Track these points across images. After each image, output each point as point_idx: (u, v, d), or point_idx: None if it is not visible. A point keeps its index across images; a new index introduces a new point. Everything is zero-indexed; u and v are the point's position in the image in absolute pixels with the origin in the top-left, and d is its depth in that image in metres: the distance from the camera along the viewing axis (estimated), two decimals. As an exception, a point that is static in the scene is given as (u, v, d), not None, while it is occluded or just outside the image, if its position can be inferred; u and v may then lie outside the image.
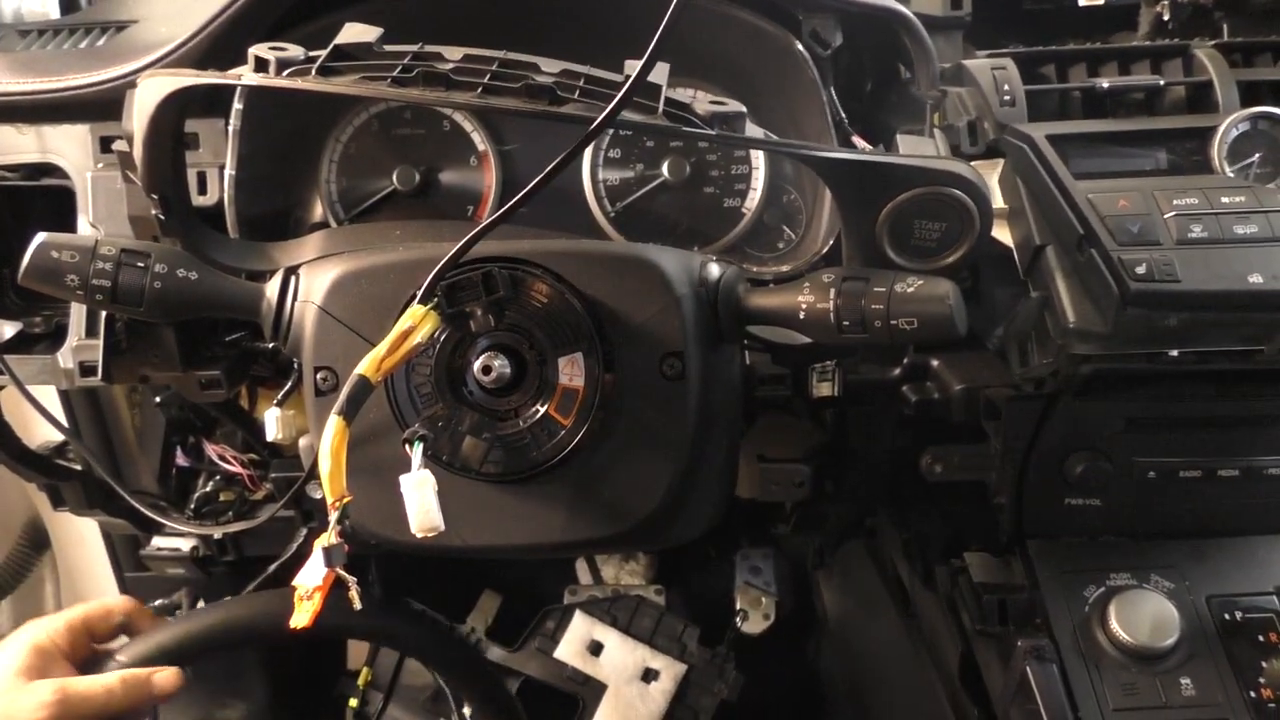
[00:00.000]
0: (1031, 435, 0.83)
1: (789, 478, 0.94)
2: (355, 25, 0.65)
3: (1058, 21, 0.97)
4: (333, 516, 0.56)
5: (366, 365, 0.57)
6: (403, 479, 0.58)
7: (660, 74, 0.63)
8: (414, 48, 0.64)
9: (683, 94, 0.64)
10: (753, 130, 0.65)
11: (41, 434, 1.15)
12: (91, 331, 0.87)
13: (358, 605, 0.55)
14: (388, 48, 0.64)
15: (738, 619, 1.19)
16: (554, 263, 0.65)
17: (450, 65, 0.62)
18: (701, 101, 0.64)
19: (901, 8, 0.85)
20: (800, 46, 0.85)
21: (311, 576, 0.56)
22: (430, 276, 0.60)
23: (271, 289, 0.69)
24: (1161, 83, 0.83)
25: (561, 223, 0.88)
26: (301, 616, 0.56)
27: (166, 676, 0.80)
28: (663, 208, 0.93)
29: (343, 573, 0.56)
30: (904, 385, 0.87)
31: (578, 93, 0.61)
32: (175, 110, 0.67)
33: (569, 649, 1.15)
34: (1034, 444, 0.84)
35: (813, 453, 0.98)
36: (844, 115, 0.86)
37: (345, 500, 0.56)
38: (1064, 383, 0.77)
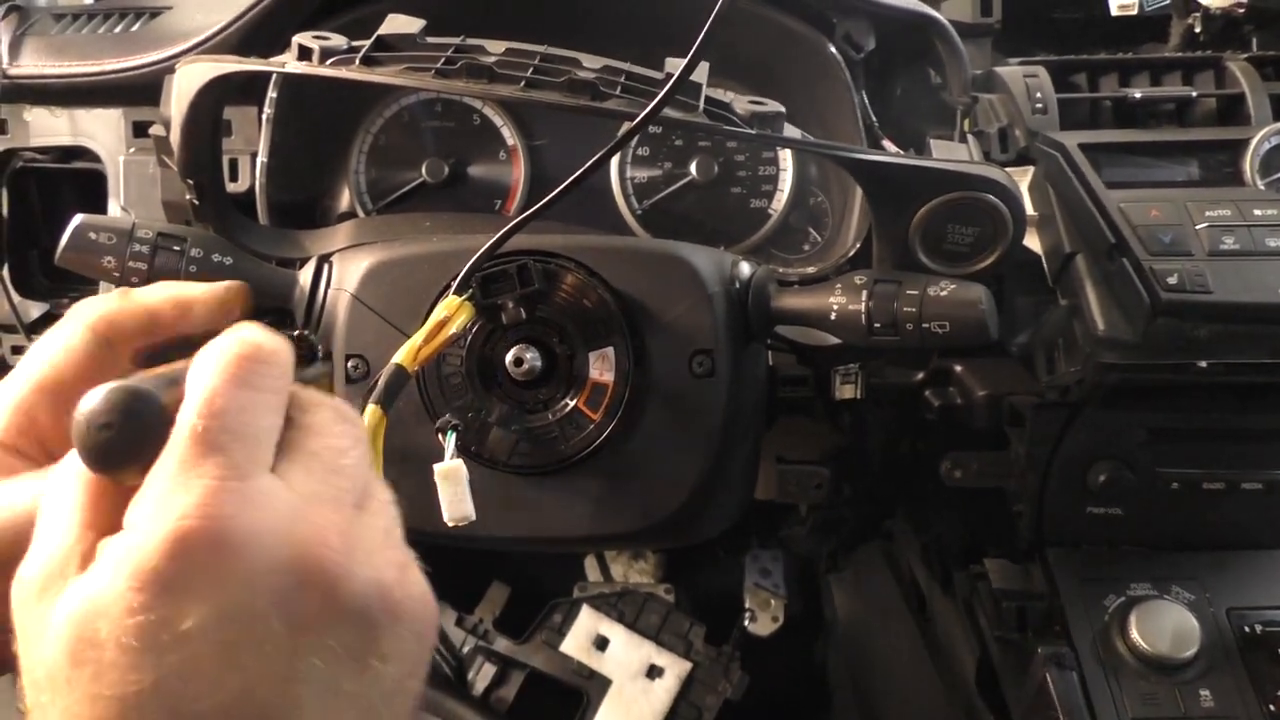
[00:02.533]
0: (1055, 443, 0.83)
1: (808, 480, 0.94)
2: (398, 17, 0.66)
3: (1087, 31, 0.97)
4: None
5: (404, 355, 0.57)
6: (436, 468, 0.58)
7: (701, 73, 0.63)
8: (456, 40, 0.64)
9: (721, 94, 0.64)
10: (790, 131, 0.65)
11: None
12: (119, 315, 0.88)
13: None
14: (430, 40, 0.65)
15: (745, 619, 1.19)
16: (587, 257, 0.66)
17: (493, 59, 0.62)
18: (741, 101, 0.64)
19: (935, 13, 0.86)
20: (833, 49, 0.85)
21: None
22: (467, 266, 0.61)
23: (305, 276, 0.69)
24: (1194, 94, 0.83)
25: (589, 220, 0.88)
26: None
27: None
28: (690, 206, 0.93)
29: None
30: (927, 390, 0.87)
31: (619, 89, 0.61)
32: (215, 97, 0.67)
33: (575, 643, 1.15)
34: (1057, 452, 0.84)
35: (831, 455, 0.98)
36: (874, 119, 0.86)
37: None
38: (1089, 391, 0.77)
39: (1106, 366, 0.74)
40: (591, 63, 0.64)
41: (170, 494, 0.32)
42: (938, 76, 0.88)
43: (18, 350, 0.93)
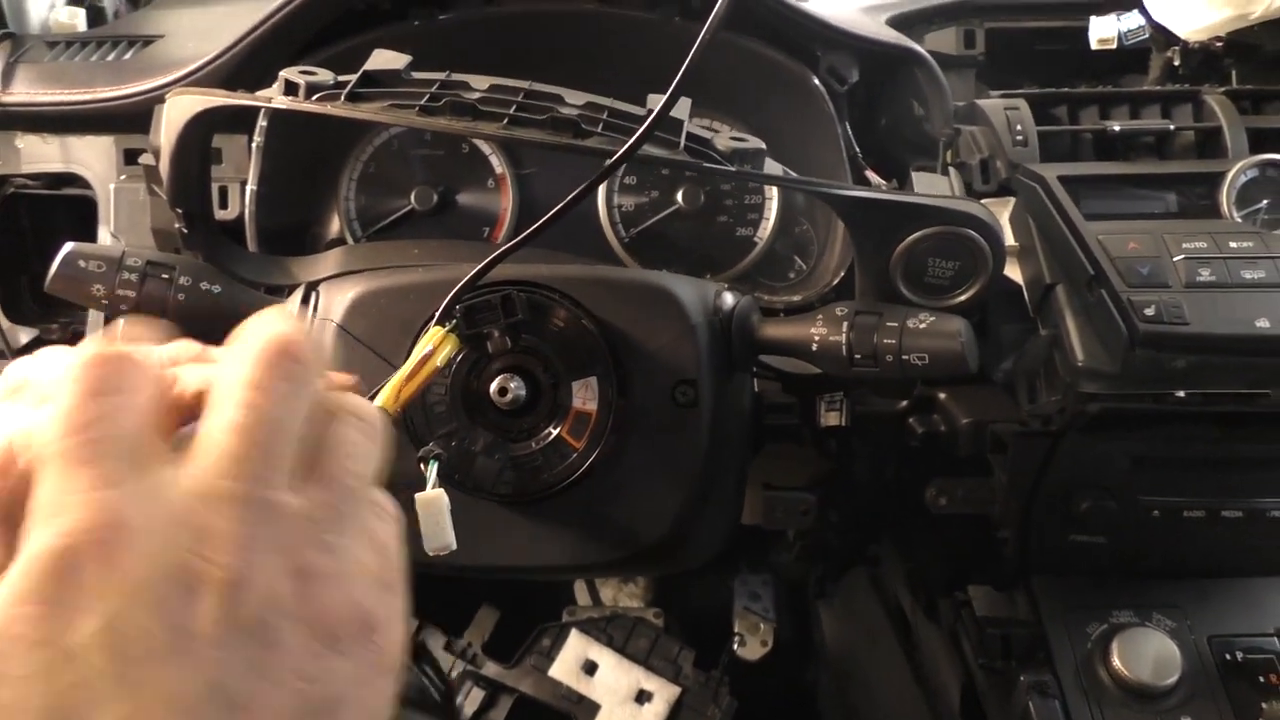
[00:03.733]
0: (1037, 471, 0.84)
1: (794, 506, 0.94)
2: (384, 52, 0.67)
3: (1069, 63, 0.99)
4: None
5: (385, 396, 0.58)
6: (418, 497, 0.59)
7: (682, 109, 0.64)
8: (441, 75, 0.65)
9: (703, 129, 0.65)
10: (771, 167, 0.66)
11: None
12: (108, 340, 0.88)
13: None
14: (416, 75, 0.66)
15: (735, 643, 1.19)
16: (571, 288, 0.66)
17: (477, 95, 0.63)
18: (723, 137, 0.65)
19: (917, 47, 0.87)
20: (817, 81, 0.87)
21: None
22: (448, 298, 0.61)
23: (291, 305, 0.70)
24: (1172, 127, 0.84)
25: (576, 246, 0.89)
26: None
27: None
28: (676, 235, 0.94)
29: None
30: (911, 417, 0.88)
31: (601, 126, 0.62)
32: (203, 128, 0.68)
33: (564, 667, 1.15)
34: (1040, 480, 0.84)
35: (818, 482, 0.99)
36: (858, 150, 0.87)
37: None
38: (1071, 420, 0.78)
39: (1087, 396, 0.74)
40: (575, 99, 0.65)
41: (48, 511, 0.30)
42: (920, 108, 0.89)
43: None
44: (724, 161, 0.63)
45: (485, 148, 0.94)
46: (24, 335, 0.95)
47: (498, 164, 0.94)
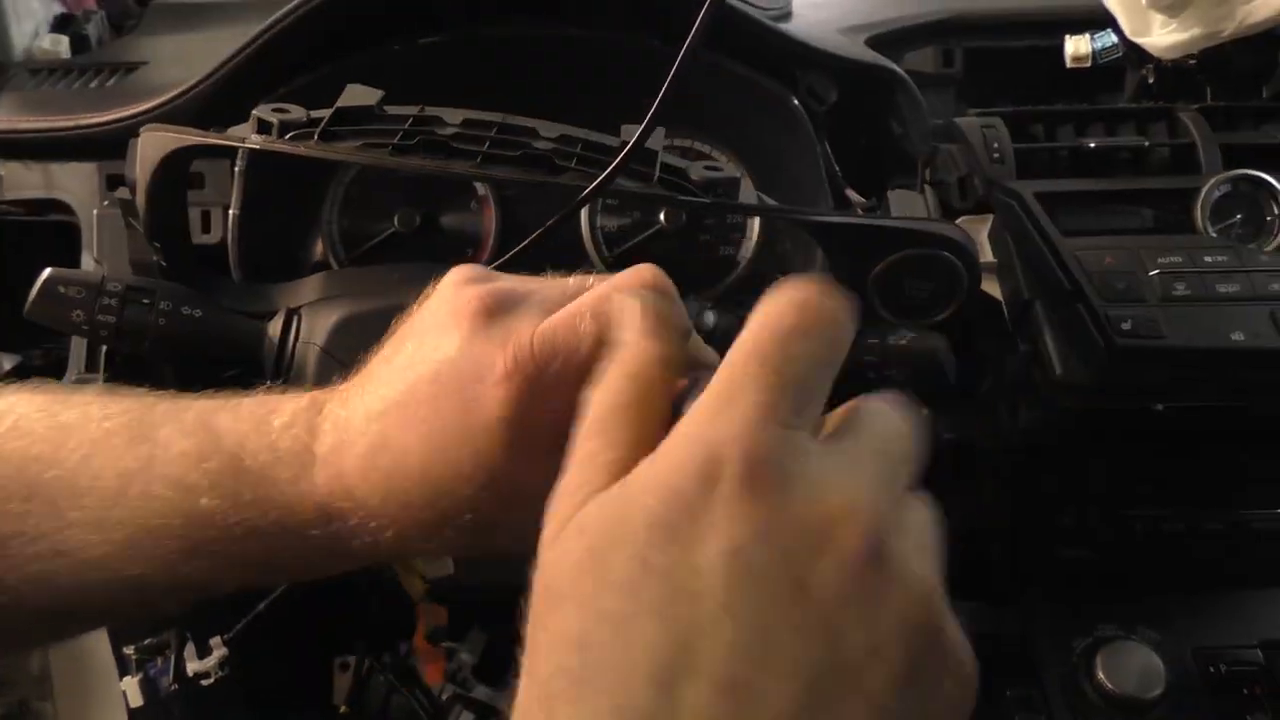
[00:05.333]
0: (1021, 486, 0.85)
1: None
2: (356, 88, 0.67)
3: (1045, 81, 1.00)
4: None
5: None
6: None
7: (656, 139, 0.65)
8: (414, 110, 0.66)
9: (678, 156, 0.66)
10: (746, 194, 0.67)
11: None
12: (91, 366, 0.88)
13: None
14: (389, 109, 0.66)
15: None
16: (553, 308, 0.66)
17: (451, 131, 0.64)
18: (697, 167, 0.65)
19: (895, 67, 0.88)
20: (796, 101, 0.87)
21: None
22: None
23: (274, 329, 0.70)
24: (1147, 144, 0.85)
25: (560, 267, 0.89)
26: None
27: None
28: (659, 254, 0.95)
29: (451, 644, 0.59)
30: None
31: (575, 160, 0.63)
32: (179, 164, 0.69)
33: (556, 690, 1.14)
34: (1024, 494, 0.85)
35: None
36: (838, 169, 0.88)
37: (425, 589, 0.58)
38: (1052, 434, 0.79)
39: (1066, 410, 0.75)
40: (549, 131, 0.65)
41: (709, 420, 0.31)
42: (899, 127, 0.90)
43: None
44: (698, 192, 0.64)
45: (468, 170, 0.95)
46: (7, 361, 0.95)
47: (480, 185, 0.94)
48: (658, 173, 0.64)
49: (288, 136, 0.64)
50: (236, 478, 0.43)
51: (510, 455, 0.40)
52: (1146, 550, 0.85)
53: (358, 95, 0.67)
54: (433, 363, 0.42)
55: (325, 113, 0.65)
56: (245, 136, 0.65)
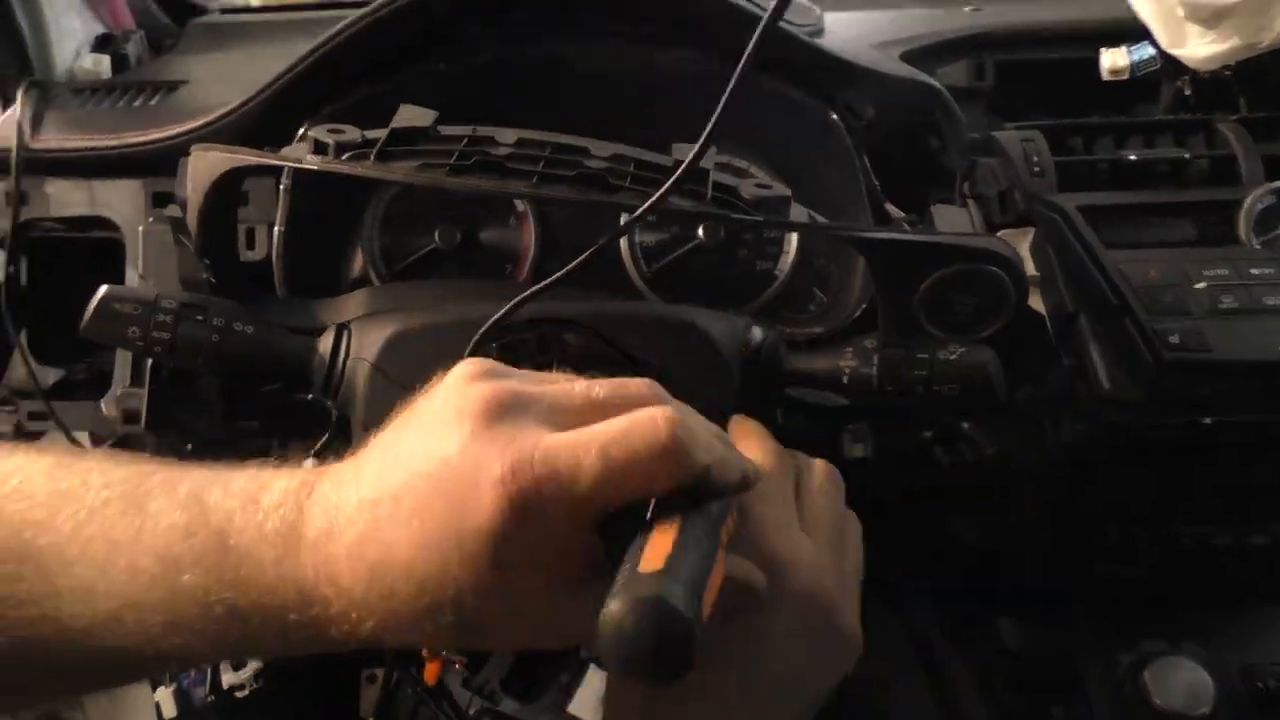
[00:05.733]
0: (1064, 500, 0.84)
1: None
2: (410, 108, 0.68)
3: (1078, 94, 1.00)
4: None
5: None
6: None
7: (708, 159, 0.65)
8: (468, 131, 0.66)
9: (728, 174, 0.66)
10: (797, 212, 0.67)
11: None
12: (136, 380, 0.89)
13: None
14: (442, 129, 0.67)
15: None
16: (604, 324, 0.67)
17: (505, 151, 0.64)
18: (748, 184, 0.66)
19: (934, 82, 0.88)
20: (835, 117, 0.88)
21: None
22: (476, 336, 0.62)
23: (324, 345, 0.70)
24: (1187, 156, 0.85)
25: (598, 281, 0.89)
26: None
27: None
28: (697, 269, 0.95)
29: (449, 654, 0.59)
30: (936, 448, 0.88)
31: (629, 179, 0.63)
32: (232, 184, 0.70)
33: (582, 703, 1.14)
34: (1066, 509, 0.84)
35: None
36: (877, 183, 0.88)
37: None
38: (1097, 449, 0.78)
39: (1112, 424, 0.75)
40: (601, 151, 0.66)
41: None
42: (937, 141, 0.90)
43: (35, 416, 0.94)
44: (750, 210, 0.64)
45: (506, 186, 0.95)
46: (51, 376, 0.95)
47: (520, 202, 0.95)
48: (710, 191, 0.64)
49: (344, 157, 0.64)
50: (220, 555, 0.43)
51: (497, 561, 0.40)
52: (1193, 566, 0.84)
53: (412, 116, 0.67)
54: (432, 459, 0.42)
55: (380, 133, 0.65)
56: (302, 157, 0.66)
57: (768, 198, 0.65)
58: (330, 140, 0.65)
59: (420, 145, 0.65)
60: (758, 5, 0.84)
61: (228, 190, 0.71)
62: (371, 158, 0.64)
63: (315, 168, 0.64)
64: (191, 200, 0.71)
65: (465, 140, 0.66)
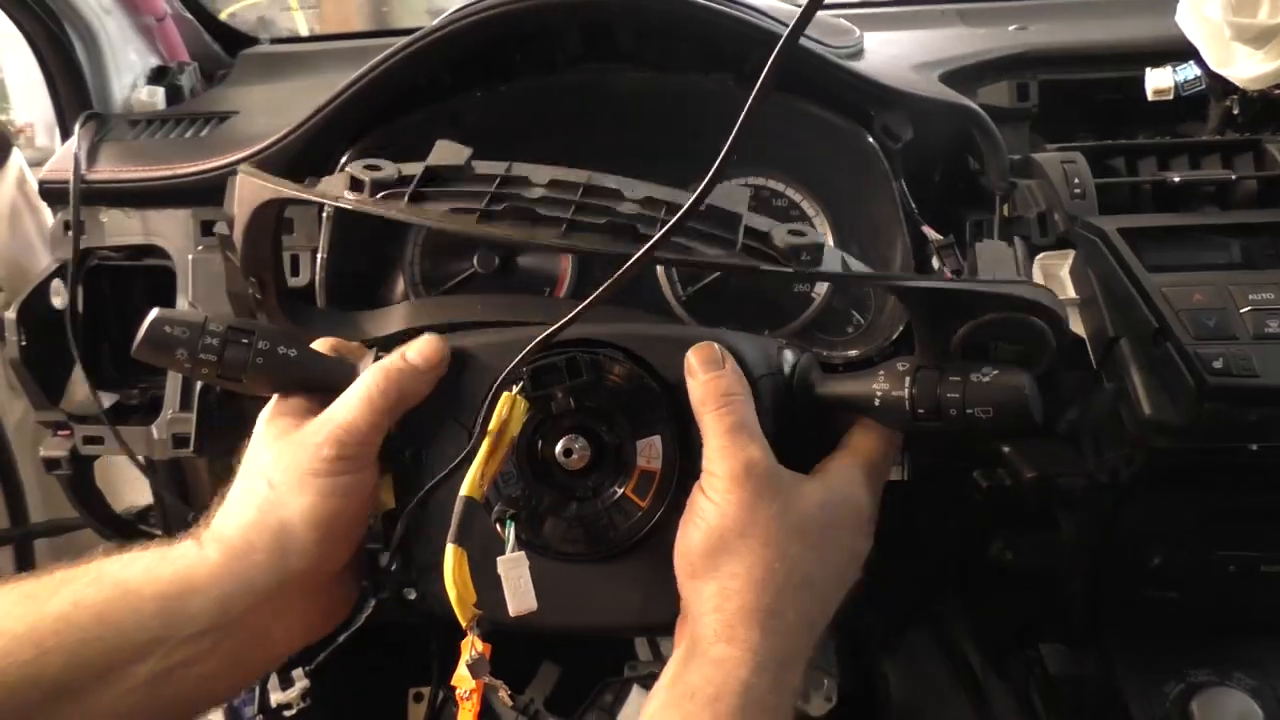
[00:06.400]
0: (1106, 525, 0.83)
1: (856, 561, 0.94)
2: (446, 144, 0.69)
3: (1125, 113, 0.98)
4: (471, 634, 0.60)
5: (469, 485, 0.60)
6: (500, 560, 0.60)
7: (740, 202, 0.65)
8: (502, 169, 0.67)
9: (762, 221, 0.66)
10: (830, 258, 0.67)
11: (125, 499, 1.19)
12: (186, 404, 0.92)
13: (509, 704, 0.59)
14: (477, 164, 0.68)
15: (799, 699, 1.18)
16: (636, 346, 0.67)
17: (538, 194, 0.65)
18: (780, 232, 0.66)
19: (971, 104, 0.88)
20: (871, 140, 0.87)
21: (465, 679, 0.60)
22: (509, 367, 0.63)
23: (365, 365, 0.72)
24: (1233, 176, 0.84)
25: (634, 304, 0.90)
26: (464, 716, 0.62)
27: (423, 347, 0.67)
28: (733, 291, 0.95)
29: (492, 679, 0.61)
30: (974, 471, 0.87)
31: (659, 224, 0.64)
32: (271, 212, 0.72)
33: (626, 722, 1.14)
34: (1109, 534, 0.83)
35: (879, 535, 0.98)
36: (914, 205, 0.88)
37: (477, 616, 0.59)
38: (1139, 474, 0.77)
39: (1155, 450, 0.73)
40: (633, 192, 0.66)
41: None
42: (976, 163, 0.90)
43: (90, 440, 0.97)
44: (781, 259, 0.64)
45: (545, 211, 0.96)
46: (106, 400, 0.98)
47: (558, 226, 0.96)
48: (741, 239, 0.64)
49: (379, 196, 0.66)
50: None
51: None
52: (1240, 593, 0.82)
53: (447, 153, 0.68)
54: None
55: (416, 169, 0.67)
56: (339, 195, 0.68)
57: (799, 245, 0.65)
58: (366, 178, 0.66)
59: (453, 186, 0.67)
60: (785, 26, 0.84)
61: (268, 217, 0.73)
62: (406, 199, 0.65)
63: (349, 206, 0.66)
64: (237, 221, 0.73)
65: (498, 181, 0.67)
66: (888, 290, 0.71)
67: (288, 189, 0.69)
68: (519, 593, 0.60)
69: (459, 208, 0.65)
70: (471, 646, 0.60)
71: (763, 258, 0.65)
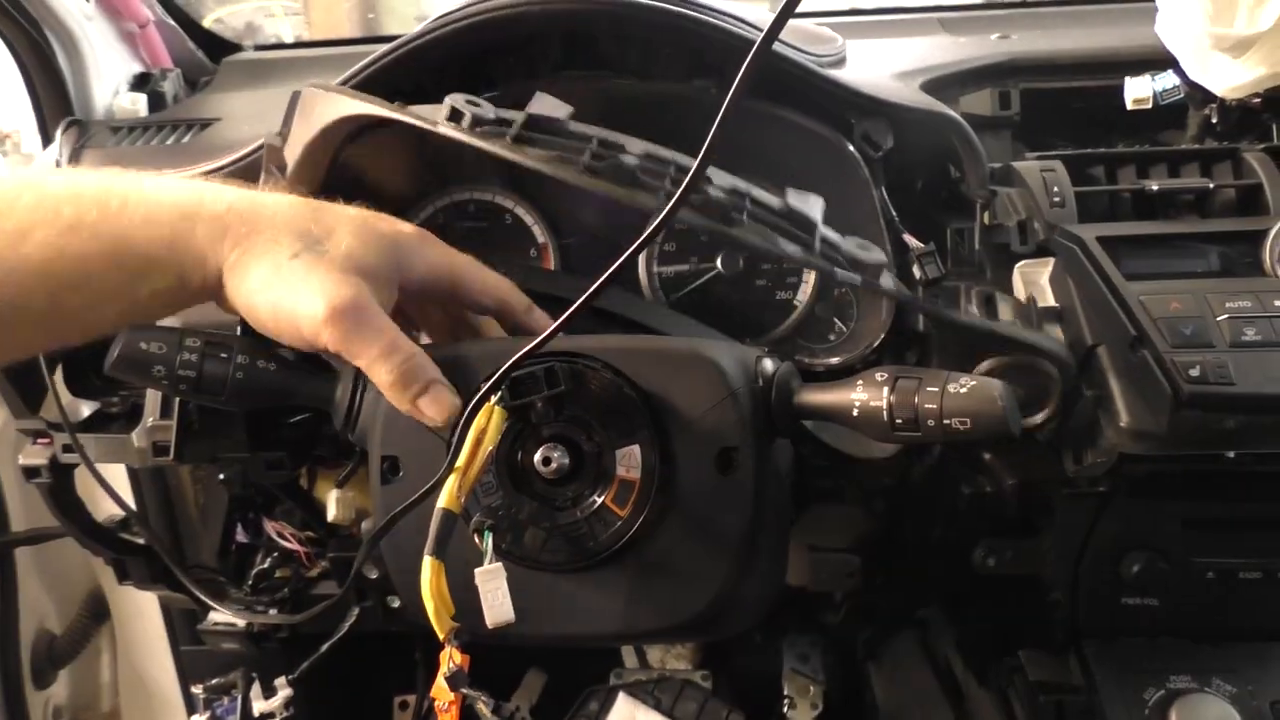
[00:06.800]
0: (1086, 532, 0.83)
1: (840, 568, 0.94)
2: (546, 97, 0.69)
3: (1105, 122, 0.99)
4: (449, 646, 0.60)
5: (447, 498, 0.60)
6: (478, 572, 0.60)
7: (815, 208, 0.69)
8: (597, 132, 0.68)
9: (833, 233, 0.68)
10: (887, 279, 0.68)
11: (108, 508, 1.19)
12: (166, 413, 0.91)
13: (489, 716, 0.58)
14: (574, 127, 0.68)
15: (784, 706, 1.18)
16: (613, 358, 0.67)
17: (634, 161, 0.65)
18: (849, 244, 0.67)
19: (952, 113, 0.88)
20: (852, 148, 0.88)
21: (444, 691, 0.60)
22: (494, 379, 0.63)
23: (345, 378, 0.72)
24: (1211, 185, 0.84)
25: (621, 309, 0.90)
26: None
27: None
28: (716, 299, 0.95)
29: (471, 691, 0.61)
30: (956, 478, 0.87)
31: (745, 214, 0.64)
32: (345, 130, 0.73)
33: (612, 730, 1.14)
34: (1088, 541, 0.83)
35: (863, 542, 0.99)
36: (895, 214, 0.88)
37: (455, 628, 0.60)
38: (1118, 481, 0.77)
39: (1134, 457, 0.74)
40: (721, 180, 0.66)
41: None
42: (956, 171, 0.90)
43: (69, 449, 0.96)
44: (849, 269, 0.66)
45: (528, 218, 0.96)
46: (86, 408, 0.98)
47: (540, 234, 0.96)
48: (818, 244, 0.65)
49: (477, 131, 0.65)
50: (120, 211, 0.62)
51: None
52: (1218, 599, 0.83)
53: (548, 105, 0.68)
54: None
55: (516, 115, 0.66)
56: (437, 120, 0.67)
57: (865, 261, 0.66)
58: (467, 111, 0.66)
59: (555, 136, 0.66)
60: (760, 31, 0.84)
61: (343, 133, 0.73)
62: (509, 139, 0.65)
63: (449, 133, 0.66)
64: (302, 134, 0.73)
65: (596, 141, 0.66)
66: (930, 318, 0.76)
67: (374, 106, 0.69)
68: (496, 605, 0.60)
69: (561, 156, 0.65)
70: (450, 659, 0.60)
71: (833, 264, 0.66)
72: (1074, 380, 0.73)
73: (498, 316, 0.75)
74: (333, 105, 0.70)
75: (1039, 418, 0.75)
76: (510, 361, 0.62)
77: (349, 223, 0.64)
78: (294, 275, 0.61)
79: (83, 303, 0.61)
